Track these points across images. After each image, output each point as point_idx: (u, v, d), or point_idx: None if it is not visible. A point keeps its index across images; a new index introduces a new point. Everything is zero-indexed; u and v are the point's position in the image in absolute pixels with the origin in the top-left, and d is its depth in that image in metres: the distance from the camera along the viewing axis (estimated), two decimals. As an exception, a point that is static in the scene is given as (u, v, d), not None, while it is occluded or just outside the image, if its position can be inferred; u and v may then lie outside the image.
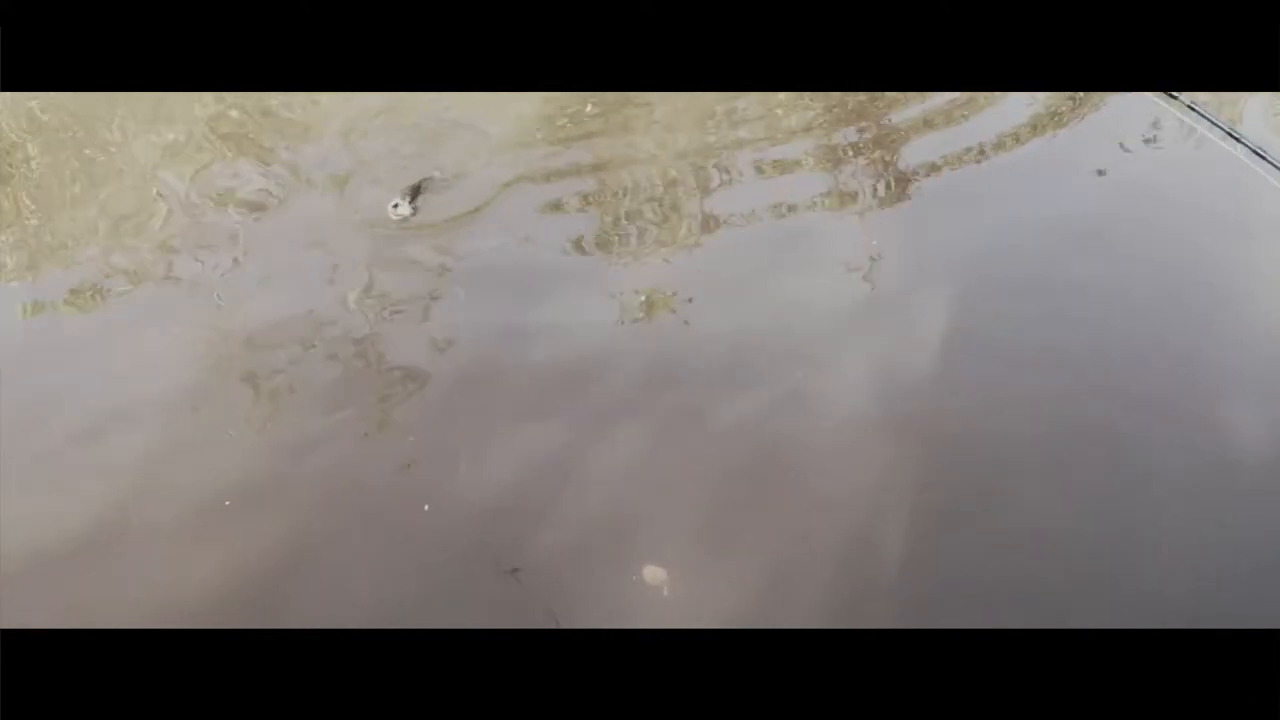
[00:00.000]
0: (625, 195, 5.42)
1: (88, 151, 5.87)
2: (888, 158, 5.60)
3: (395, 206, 5.12)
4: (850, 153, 5.63)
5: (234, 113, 6.06)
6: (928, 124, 5.79)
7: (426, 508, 3.95)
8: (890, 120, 5.85)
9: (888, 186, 5.43)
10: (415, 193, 5.25)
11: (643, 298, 4.84)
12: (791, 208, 5.33)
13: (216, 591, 3.72)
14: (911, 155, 5.60)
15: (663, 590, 3.67)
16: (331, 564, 3.83)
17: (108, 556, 3.85)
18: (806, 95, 5.99)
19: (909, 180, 5.45)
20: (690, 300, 4.82)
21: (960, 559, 3.77)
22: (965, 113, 5.80)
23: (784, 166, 5.58)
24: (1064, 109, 5.83)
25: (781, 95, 5.98)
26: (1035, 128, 5.73)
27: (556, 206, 5.39)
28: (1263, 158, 4.51)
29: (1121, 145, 5.58)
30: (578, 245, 5.17)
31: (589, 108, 5.99)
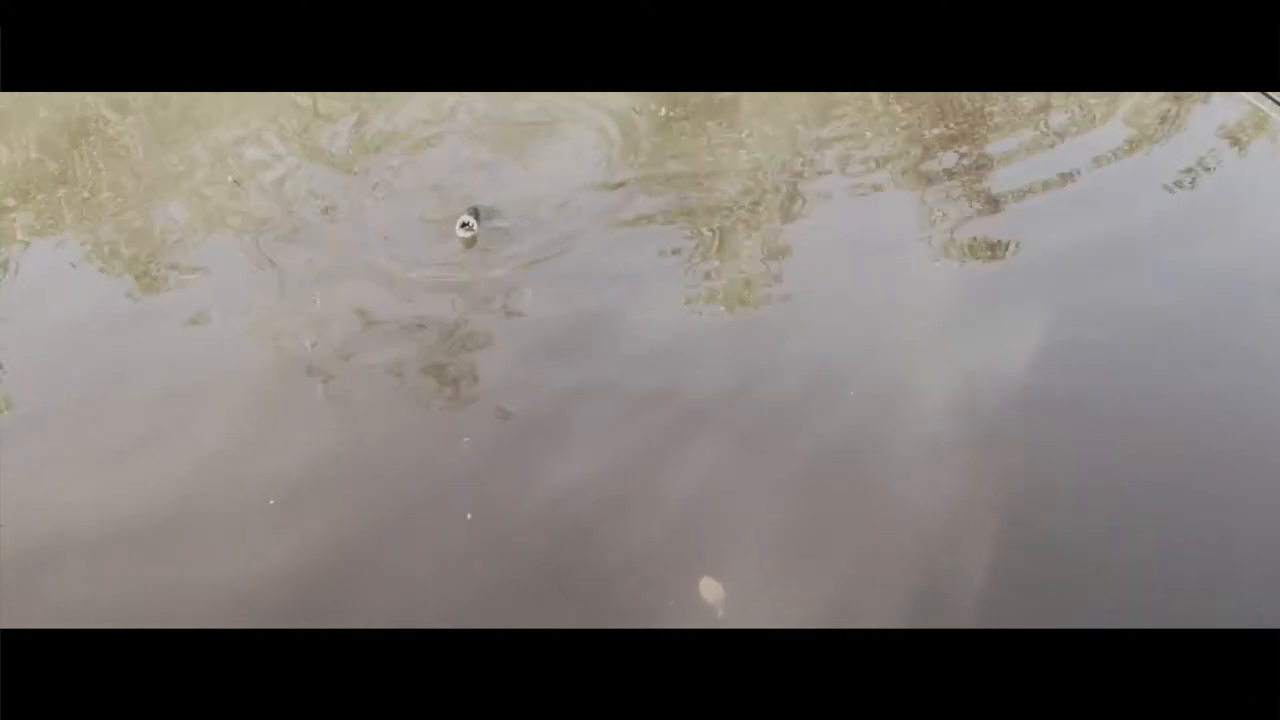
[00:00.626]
0: (713, 212, 5.38)
1: (163, 143, 6.00)
2: (978, 179, 5.54)
3: (464, 225, 5.09)
4: (941, 176, 5.56)
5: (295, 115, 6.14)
6: (1023, 149, 5.71)
7: (470, 516, 3.93)
8: (984, 146, 5.80)
9: (977, 205, 5.37)
10: (478, 214, 5.20)
11: (725, 310, 4.83)
12: (878, 224, 5.30)
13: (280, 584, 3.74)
14: (1002, 178, 5.53)
15: (718, 611, 3.61)
16: (383, 565, 3.83)
17: (164, 545, 3.90)
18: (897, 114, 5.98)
19: (998, 200, 5.39)
20: (777, 306, 4.83)
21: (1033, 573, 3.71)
22: (1057, 138, 5.74)
23: (874, 185, 5.53)
24: (1155, 129, 5.77)
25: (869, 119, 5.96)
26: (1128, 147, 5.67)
27: (640, 219, 5.37)
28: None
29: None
30: (662, 254, 5.14)
31: (663, 110, 6.00)
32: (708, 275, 5.01)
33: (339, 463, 4.17)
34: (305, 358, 4.62)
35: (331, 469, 4.14)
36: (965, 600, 3.60)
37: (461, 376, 4.55)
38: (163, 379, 4.58)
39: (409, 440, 4.28)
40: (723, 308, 4.84)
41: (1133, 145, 5.65)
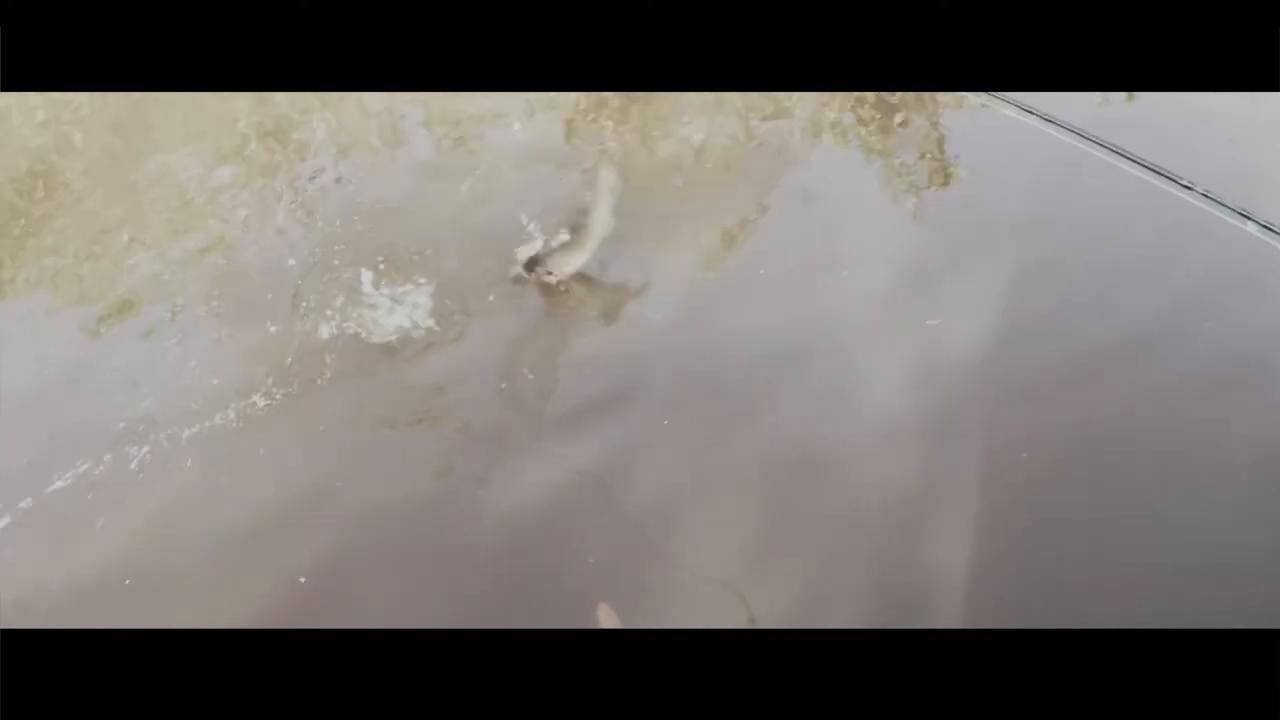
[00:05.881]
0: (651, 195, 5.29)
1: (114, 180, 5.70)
2: (926, 147, 5.56)
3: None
4: (886, 143, 5.60)
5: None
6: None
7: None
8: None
9: (925, 175, 5.39)
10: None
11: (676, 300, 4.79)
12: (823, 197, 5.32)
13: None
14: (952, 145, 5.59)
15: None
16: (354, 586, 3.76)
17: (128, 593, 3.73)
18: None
19: (948, 169, 5.43)
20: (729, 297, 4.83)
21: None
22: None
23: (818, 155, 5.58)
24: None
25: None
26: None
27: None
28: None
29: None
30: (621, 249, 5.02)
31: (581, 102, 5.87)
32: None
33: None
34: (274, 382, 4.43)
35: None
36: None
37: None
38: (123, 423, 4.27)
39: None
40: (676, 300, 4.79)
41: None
